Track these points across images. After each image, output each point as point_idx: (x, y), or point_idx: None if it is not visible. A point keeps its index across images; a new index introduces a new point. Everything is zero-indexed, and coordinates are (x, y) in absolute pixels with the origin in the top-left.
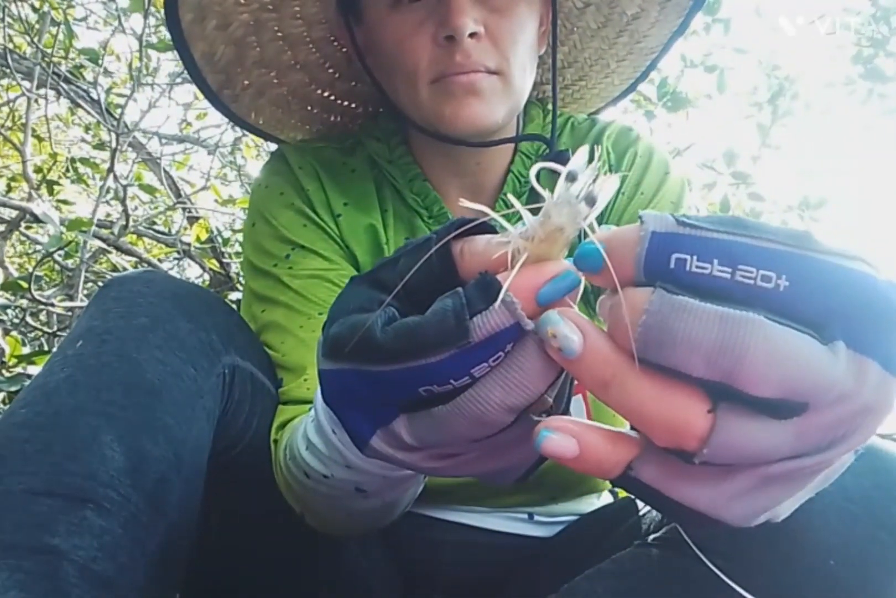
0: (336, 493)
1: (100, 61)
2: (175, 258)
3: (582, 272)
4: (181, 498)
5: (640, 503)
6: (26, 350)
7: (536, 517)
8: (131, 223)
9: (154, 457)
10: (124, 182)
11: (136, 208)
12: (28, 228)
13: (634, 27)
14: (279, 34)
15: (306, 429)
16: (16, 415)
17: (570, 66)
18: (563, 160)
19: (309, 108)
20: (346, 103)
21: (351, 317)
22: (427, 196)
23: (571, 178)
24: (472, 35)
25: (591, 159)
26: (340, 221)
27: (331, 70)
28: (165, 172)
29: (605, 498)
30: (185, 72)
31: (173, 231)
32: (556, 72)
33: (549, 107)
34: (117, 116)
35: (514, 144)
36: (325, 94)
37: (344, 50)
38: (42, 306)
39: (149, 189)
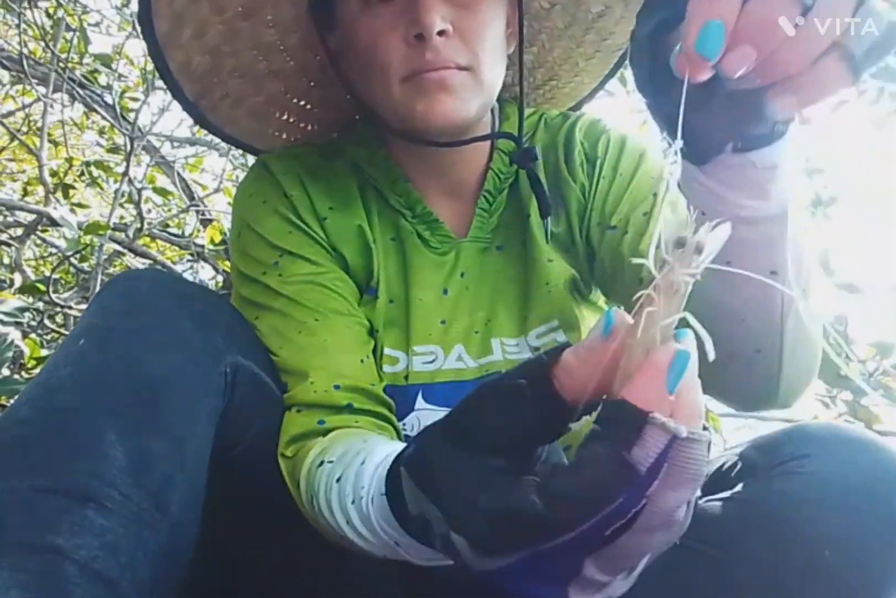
0: (370, 546)
1: (113, 66)
2: (189, 260)
3: None
4: (184, 497)
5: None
6: (44, 352)
7: None
8: (145, 226)
9: (157, 456)
10: (138, 185)
11: (149, 211)
12: (44, 231)
13: (601, 25)
14: (254, 42)
15: (348, 510)
16: (18, 412)
17: (539, 66)
18: (531, 156)
19: (286, 117)
20: (321, 112)
21: (494, 506)
22: (409, 196)
23: (681, 243)
24: (440, 33)
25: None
26: (327, 224)
27: (305, 78)
28: (178, 174)
29: None
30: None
31: (187, 233)
32: (522, 69)
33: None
34: (131, 120)
35: (491, 141)
36: (301, 102)
37: (318, 58)
38: (59, 309)
39: (162, 192)
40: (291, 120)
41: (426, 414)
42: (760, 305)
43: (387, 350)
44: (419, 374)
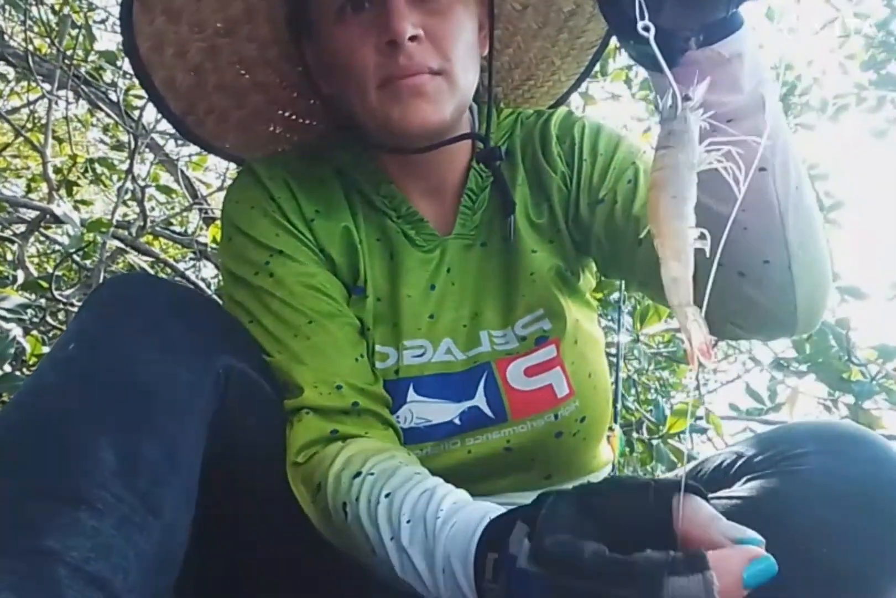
0: (397, 567)
1: (118, 63)
2: (191, 258)
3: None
4: (176, 498)
5: None
6: (46, 349)
7: None
8: (148, 224)
9: (148, 458)
10: (142, 183)
11: (152, 209)
12: (47, 228)
13: (573, 23)
14: (235, 58)
15: (400, 527)
16: (8, 417)
17: (516, 67)
18: (496, 155)
19: (272, 128)
20: (306, 121)
21: (565, 539)
22: (394, 198)
23: (687, 98)
24: (412, 38)
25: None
26: (314, 225)
27: (288, 89)
28: (182, 172)
29: None
30: None
31: (189, 231)
32: (492, 69)
33: (502, 106)
34: (135, 118)
35: (472, 141)
36: (286, 113)
37: (299, 68)
38: (61, 306)
39: (166, 190)
40: (277, 131)
41: (418, 406)
42: (758, 208)
43: (377, 347)
44: (409, 367)
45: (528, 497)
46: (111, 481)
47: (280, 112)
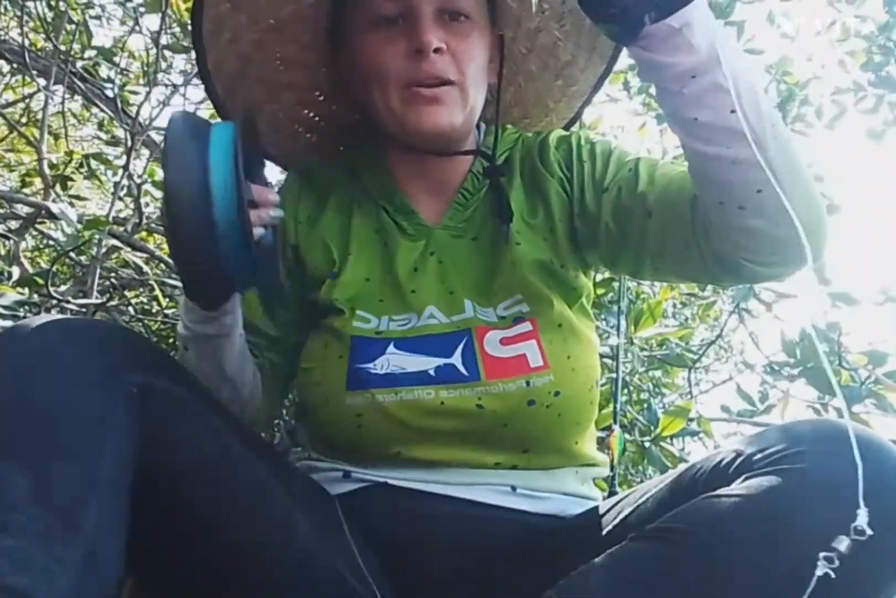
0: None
1: (115, 59)
2: None
3: None
4: (100, 511)
5: (635, 497)
6: None
7: (519, 490)
8: (144, 220)
9: (62, 478)
10: (138, 180)
11: (147, 205)
12: (41, 223)
13: (567, 72)
14: (277, 54)
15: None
16: None
17: (516, 105)
18: (501, 172)
19: (297, 127)
20: (324, 124)
21: None
22: (390, 192)
23: None
24: (436, 50)
25: None
26: (300, 228)
27: (316, 91)
28: None
29: (593, 489)
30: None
31: None
32: (500, 90)
33: (505, 126)
34: (132, 115)
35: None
36: (311, 114)
37: (327, 72)
38: (56, 302)
39: (161, 186)
40: (300, 130)
41: (395, 357)
42: (738, 144)
43: (359, 312)
44: (392, 332)
45: (513, 477)
46: (23, 503)
47: (305, 112)
